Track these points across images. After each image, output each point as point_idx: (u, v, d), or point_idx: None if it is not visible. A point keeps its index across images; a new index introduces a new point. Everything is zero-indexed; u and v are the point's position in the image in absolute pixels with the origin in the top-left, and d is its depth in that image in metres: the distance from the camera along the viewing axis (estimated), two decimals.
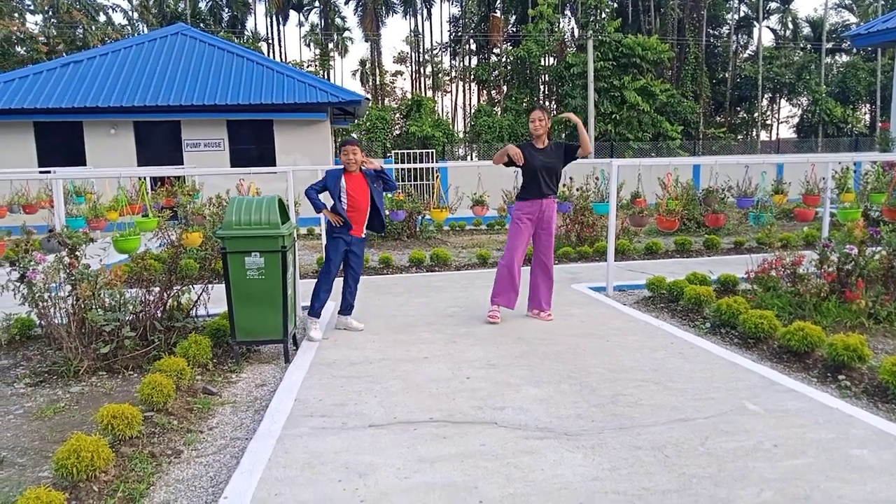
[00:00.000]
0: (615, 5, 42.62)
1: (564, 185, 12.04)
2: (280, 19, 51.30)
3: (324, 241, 8.68)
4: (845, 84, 43.09)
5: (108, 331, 4.84)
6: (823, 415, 3.71)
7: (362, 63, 51.72)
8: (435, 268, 9.18)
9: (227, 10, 49.09)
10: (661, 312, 6.32)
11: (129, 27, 40.97)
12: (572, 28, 44.65)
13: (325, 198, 5.63)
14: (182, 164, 16.37)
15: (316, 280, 5.68)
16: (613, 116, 34.34)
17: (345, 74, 69.63)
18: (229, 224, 4.86)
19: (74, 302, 4.92)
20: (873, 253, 5.77)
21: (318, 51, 49.82)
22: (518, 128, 35.88)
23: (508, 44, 44.39)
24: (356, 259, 5.74)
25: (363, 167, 5.65)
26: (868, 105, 45.91)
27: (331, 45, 50.89)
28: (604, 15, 34.46)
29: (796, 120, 47.45)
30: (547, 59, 40.77)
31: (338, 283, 5.74)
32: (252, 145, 17.33)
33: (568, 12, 44.85)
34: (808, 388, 4.19)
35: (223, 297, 5.00)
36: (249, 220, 4.85)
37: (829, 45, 45.81)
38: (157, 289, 5.33)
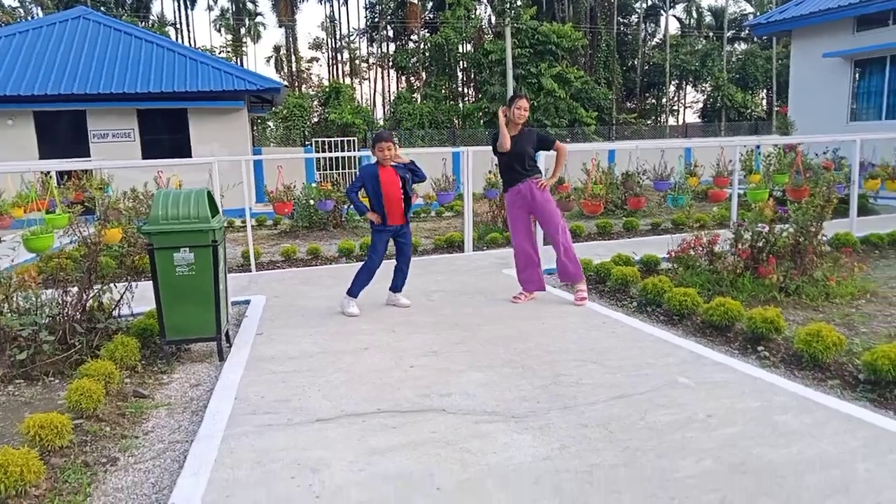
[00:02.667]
0: None
1: (490, 172, 12.20)
2: (188, 3, 49.14)
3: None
4: (745, 70, 45.59)
5: (25, 336, 4.54)
6: (748, 385, 3.95)
7: (277, 49, 50.38)
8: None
9: None
10: (590, 294, 6.51)
11: (20, 10, 38.19)
12: (489, 15, 45.03)
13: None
14: (88, 156, 15.45)
15: (359, 269, 5.96)
16: (531, 103, 34.94)
17: (258, 61, 68.01)
18: (156, 218, 4.64)
19: None
20: (781, 230, 6.16)
21: (229, 37, 48.04)
22: (438, 115, 35.93)
23: (426, 30, 44.26)
24: (404, 243, 6.08)
25: (393, 162, 5.87)
26: (765, 90, 48.73)
27: (243, 31, 49.23)
28: (519, 2, 34.90)
29: (700, 105, 49.82)
30: (465, 46, 40.95)
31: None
32: (165, 135, 16.56)
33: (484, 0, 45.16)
34: (732, 359, 4.45)
35: (148, 296, 4.78)
36: (178, 213, 4.65)
37: (730, 34, 48.24)
38: (76, 289, 5.04)
